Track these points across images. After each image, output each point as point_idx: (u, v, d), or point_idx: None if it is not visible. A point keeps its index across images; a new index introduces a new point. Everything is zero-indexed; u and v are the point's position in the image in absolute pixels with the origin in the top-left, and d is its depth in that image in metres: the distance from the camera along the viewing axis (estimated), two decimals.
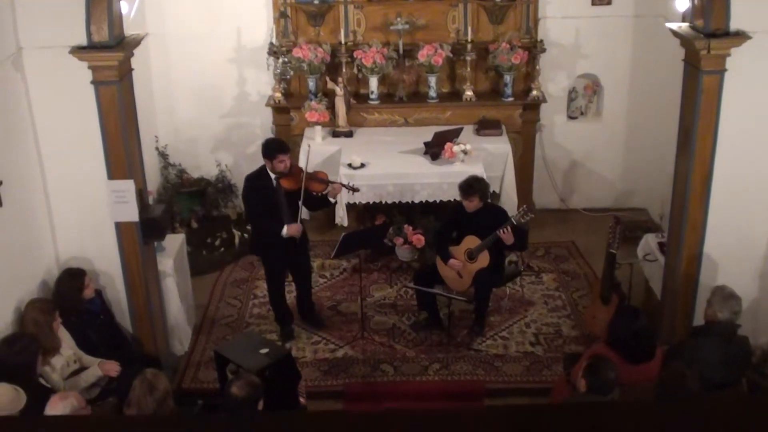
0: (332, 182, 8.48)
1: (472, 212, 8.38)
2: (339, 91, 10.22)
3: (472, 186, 8.33)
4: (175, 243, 8.63)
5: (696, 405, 5.51)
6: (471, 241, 8.45)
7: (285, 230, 8.18)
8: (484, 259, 8.43)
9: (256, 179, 8.27)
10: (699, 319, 7.43)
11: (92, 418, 5.41)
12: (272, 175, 8.18)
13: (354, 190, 8.71)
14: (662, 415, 2.74)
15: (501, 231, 8.14)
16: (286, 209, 8.25)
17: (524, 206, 8.49)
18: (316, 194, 8.40)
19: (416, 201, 9.75)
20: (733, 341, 6.67)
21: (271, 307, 8.91)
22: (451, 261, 8.52)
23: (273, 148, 8.19)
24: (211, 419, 4.72)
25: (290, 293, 9.09)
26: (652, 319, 7.70)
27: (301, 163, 8.78)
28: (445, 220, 8.95)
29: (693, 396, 5.73)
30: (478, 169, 9.45)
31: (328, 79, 10.38)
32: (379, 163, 9.74)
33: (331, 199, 8.58)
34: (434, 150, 9.80)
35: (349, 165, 9.50)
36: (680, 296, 7.85)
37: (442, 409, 3.15)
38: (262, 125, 11.00)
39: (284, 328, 8.84)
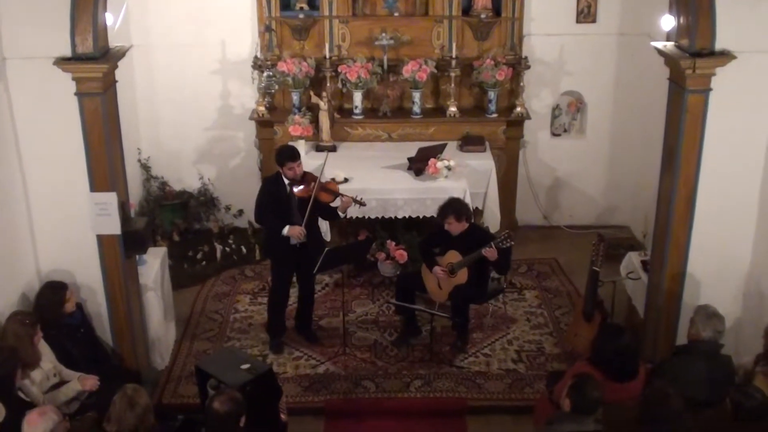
0: (342, 195, 8.48)
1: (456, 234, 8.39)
2: (323, 105, 10.19)
3: (445, 208, 8.36)
4: (156, 256, 8.58)
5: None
6: (453, 256, 8.44)
7: (286, 229, 8.24)
8: (462, 276, 8.42)
9: (272, 183, 8.40)
10: (682, 338, 7.43)
11: None
12: (286, 181, 8.27)
13: (362, 204, 8.69)
14: None
15: (484, 250, 8.15)
16: (296, 216, 8.30)
17: (506, 232, 8.46)
18: (325, 204, 8.43)
19: (399, 216, 9.73)
20: (717, 360, 6.66)
21: (268, 314, 8.87)
22: (436, 268, 8.50)
23: (283, 155, 8.31)
24: None
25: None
26: (635, 338, 7.70)
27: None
28: (431, 232, 8.95)
29: (676, 415, 5.72)
30: (461, 185, 9.46)
31: (312, 93, 10.35)
32: (363, 178, 9.71)
33: (341, 213, 8.54)
34: (418, 166, 9.78)
35: (333, 180, 9.46)
36: (663, 314, 7.85)
37: None
38: (246, 138, 10.98)
39: (275, 340, 8.81)
